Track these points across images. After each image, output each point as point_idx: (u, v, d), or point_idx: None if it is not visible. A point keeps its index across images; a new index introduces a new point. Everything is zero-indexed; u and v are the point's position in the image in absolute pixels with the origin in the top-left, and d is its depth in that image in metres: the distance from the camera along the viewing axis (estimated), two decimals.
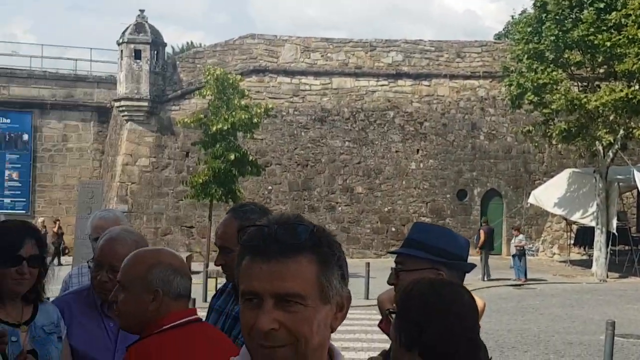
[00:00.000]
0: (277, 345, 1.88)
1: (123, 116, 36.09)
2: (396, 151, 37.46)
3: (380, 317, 3.55)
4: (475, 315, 2.81)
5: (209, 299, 15.95)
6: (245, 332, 1.93)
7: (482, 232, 27.97)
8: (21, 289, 3.75)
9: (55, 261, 28.37)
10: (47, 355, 3.78)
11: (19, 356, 3.62)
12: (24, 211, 36.84)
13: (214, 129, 27.49)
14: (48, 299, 4.03)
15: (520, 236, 28.22)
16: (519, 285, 26.33)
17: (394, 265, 3.58)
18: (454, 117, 38.09)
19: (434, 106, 37.98)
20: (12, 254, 3.72)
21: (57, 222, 34.29)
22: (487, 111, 38.40)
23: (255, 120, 28.63)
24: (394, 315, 2.88)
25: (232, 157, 27.32)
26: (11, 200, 37.87)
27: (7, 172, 38.71)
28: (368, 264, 22.86)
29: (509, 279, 27.15)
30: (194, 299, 12.32)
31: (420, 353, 2.70)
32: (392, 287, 3.55)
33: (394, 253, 3.66)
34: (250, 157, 28.70)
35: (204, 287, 20.02)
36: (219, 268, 4.04)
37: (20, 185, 38.95)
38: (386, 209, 36.76)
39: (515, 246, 27.51)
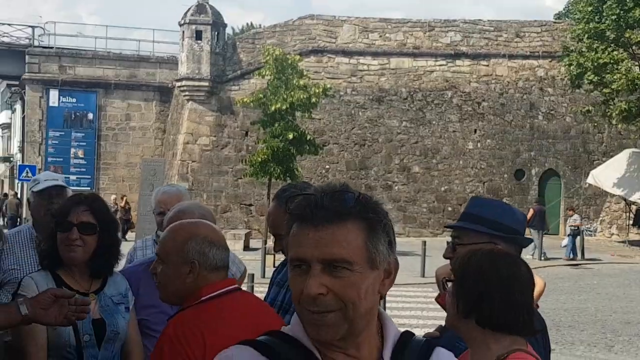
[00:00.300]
0: (326, 311, 1.87)
1: (184, 96, 36.42)
2: (453, 131, 37.16)
3: (437, 291, 3.54)
4: (532, 285, 2.80)
5: (267, 274, 16.07)
6: (295, 299, 1.93)
7: (531, 210, 27.60)
8: (75, 255, 3.79)
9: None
10: (115, 325, 3.85)
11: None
12: (88, 188, 37.35)
13: (273, 108, 27.54)
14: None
15: (575, 216, 27.91)
16: (576, 265, 26.03)
17: (450, 239, 3.56)
18: (512, 97, 37.64)
19: (492, 86, 37.56)
20: (62, 219, 3.80)
21: (124, 198, 34.90)
22: (546, 91, 37.85)
23: (313, 100, 28.61)
24: (449, 284, 2.90)
25: (291, 136, 27.36)
26: (77, 177, 38.47)
27: (72, 150, 39.37)
28: (424, 243, 22.79)
29: (559, 259, 26.86)
30: (252, 275, 12.49)
31: (477, 321, 2.72)
32: (449, 261, 3.56)
33: (451, 227, 3.65)
34: (308, 137, 28.69)
35: (262, 263, 20.17)
36: None
37: (85, 162, 39.58)
38: (443, 189, 36.53)
39: (570, 226, 27.19)
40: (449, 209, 35.79)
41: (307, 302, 1.88)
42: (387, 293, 2.08)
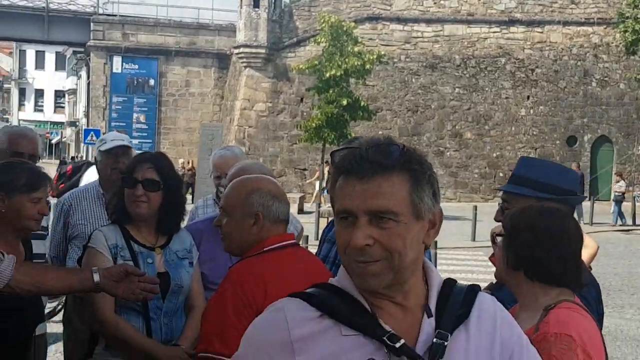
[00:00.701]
0: (372, 261, 1.87)
1: (241, 63, 36.50)
2: (506, 98, 36.69)
3: (491, 251, 3.52)
4: (580, 240, 2.80)
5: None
6: (341, 250, 1.94)
7: None
8: (140, 211, 3.84)
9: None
10: (179, 279, 3.91)
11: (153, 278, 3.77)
12: None
13: (328, 75, 27.52)
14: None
15: (621, 182, 27.50)
16: (627, 230, 25.65)
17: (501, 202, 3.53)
18: (566, 63, 36.97)
19: (545, 53, 36.92)
20: (129, 176, 3.86)
21: (191, 162, 35.31)
22: (600, 58, 37.07)
23: (367, 66, 28.50)
24: (499, 238, 2.91)
25: (345, 102, 27.34)
26: (139, 142, 38.79)
27: (135, 115, 39.83)
28: (475, 207, 22.63)
29: (607, 224, 26.51)
30: (307, 236, 12.56)
31: (525, 273, 2.74)
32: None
33: (499, 190, 3.63)
34: (362, 103, 28.61)
35: (316, 226, 20.23)
36: (330, 208, 4.12)
37: (146, 127, 40.00)
38: (495, 155, 36.18)
39: (614, 192, 26.77)
40: (500, 174, 35.43)
41: (353, 253, 1.89)
42: (439, 256, 2.09)
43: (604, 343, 2.75)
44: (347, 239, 1.89)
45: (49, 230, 4.99)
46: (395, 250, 1.87)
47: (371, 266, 1.88)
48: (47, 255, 4.96)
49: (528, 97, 36.87)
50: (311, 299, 1.97)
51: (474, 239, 20.86)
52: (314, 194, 31.85)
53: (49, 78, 76.62)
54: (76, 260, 4.27)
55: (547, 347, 2.54)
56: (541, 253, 2.70)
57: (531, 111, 36.82)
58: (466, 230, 21.51)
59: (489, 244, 3.64)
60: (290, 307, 1.98)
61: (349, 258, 1.91)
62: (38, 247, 4.75)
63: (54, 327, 5.30)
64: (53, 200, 5.19)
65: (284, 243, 3.18)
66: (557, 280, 2.72)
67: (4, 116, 79.31)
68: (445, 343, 1.90)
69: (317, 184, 31.71)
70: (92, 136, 31.52)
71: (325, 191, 27.76)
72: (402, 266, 1.90)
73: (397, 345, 1.86)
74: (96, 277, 3.34)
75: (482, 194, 35.25)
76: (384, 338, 1.87)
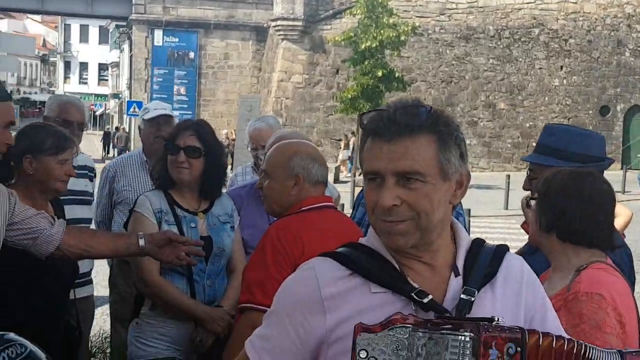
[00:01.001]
0: (399, 220, 1.87)
1: (279, 35, 36.44)
2: (539, 68, 36.24)
3: (523, 219, 3.50)
4: (612, 202, 2.78)
5: None
6: (369, 210, 1.93)
7: None
8: (183, 177, 3.86)
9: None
10: (221, 242, 3.94)
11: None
12: None
13: (363, 46, 27.42)
14: None
15: None
16: None
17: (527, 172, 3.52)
18: (600, 34, 36.36)
19: (579, 23, 36.32)
20: (171, 143, 3.88)
21: (233, 132, 35.46)
22: (634, 28, 36.37)
23: (402, 38, 28.35)
24: (532, 202, 2.89)
25: (380, 73, 27.26)
26: (179, 113, 38.92)
27: (175, 87, 39.98)
28: (508, 176, 22.48)
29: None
30: (342, 204, 12.59)
31: (557, 235, 2.72)
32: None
33: (525, 160, 3.61)
34: (397, 74, 28.49)
35: (351, 194, 20.25)
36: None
37: (187, 99, 40.16)
38: (527, 125, 35.82)
39: None
40: (533, 144, 34.93)
41: (381, 213, 1.88)
42: (472, 224, 2.08)
43: (636, 304, 2.74)
44: (375, 200, 1.89)
45: (95, 196, 5.06)
46: (422, 210, 1.87)
47: (398, 226, 1.88)
48: (93, 220, 5.04)
49: (561, 68, 36.38)
50: (341, 258, 1.98)
51: (506, 208, 20.76)
52: (338, 161, 32.03)
53: (92, 51, 77.10)
54: (122, 224, 4.32)
55: (578, 307, 2.54)
56: (572, 215, 2.68)
57: (564, 81, 36.34)
58: (499, 199, 21.41)
59: (522, 212, 3.62)
60: (321, 266, 1.99)
61: (377, 218, 1.91)
62: (84, 212, 4.83)
63: (101, 290, 5.37)
64: (99, 168, 5.26)
65: (322, 204, 3.23)
66: (588, 241, 2.71)
67: (50, 88, 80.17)
68: (472, 299, 1.90)
69: (343, 153, 31.81)
70: (134, 108, 31.79)
71: (351, 162, 27.87)
72: (429, 226, 1.89)
73: (425, 300, 1.87)
74: (141, 242, 3.39)
75: (515, 164, 34.94)
76: (412, 294, 1.88)
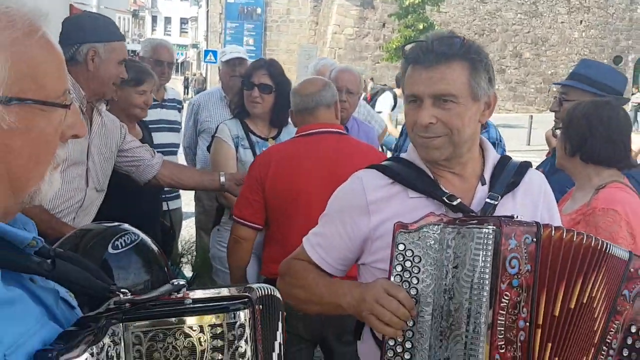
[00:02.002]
0: (435, 136, 1.89)
1: None
2: (562, 22, 35.21)
3: (541, 159, 3.47)
4: (629, 127, 2.73)
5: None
6: (409, 128, 1.95)
7: None
8: (256, 109, 3.86)
9: None
10: None
11: None
12: None
13: (407, 2, 26.98)
14: None
15: (637, 94, 26.42)
16: None
17: (557, 95, 3.49)
18: None
19: None
20: (247, 80, 3.87)
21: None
22: None
23: None
24: (558, 131, 2.86)
25: (421, 26, 26.84)
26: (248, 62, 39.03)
27: (245, 39, 39.71)
28: (531, 117, 22.15)
29: None
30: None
31: (581, 157, 2.70)
32: (554, 114, 3.49)
33: (561, 84, 3.54)
34: (436, 27, 27.96)
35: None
36: None
37: (254, 49, 39.91)
38: (549, 72, 35.01)
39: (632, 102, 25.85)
40: (554, 89, 34.33)
41: (419, 130, 1.90)
42: None
43: None
44: (414, 119, 1.90)
45: (182, 125, 5.12)
46: (454, 127, 1.87)
47: (434, 140, 1.89)
48: (181, 145, 5.10)
49: (581, 22, 35.32)
50: (384, 169, 2.00)
51: (528, 144, 20.44)
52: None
53: (175, 7, 76.91)
54: (205, 149, 4.37)
55: (594, 220, 2.53)
56: (593, 138, 2.65)
57: (583, 34, 35.36)
58: (522, 136, 21.09)
59: (543, 148, 3.58)
60: (367, 176, 2.02)
61: (415, 134, 1.92)
62: (173, 138, 4.90)
63: (185, 206, 5.45)
64: (186, 103, 5.31)
65: (310, 131, 3.20)
66: (607, 161, 2.67)
67: (140, 39, 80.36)
68: (496, 203, 1.91)
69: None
70: (210, 56, 31.64)
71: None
72: (460, 141, 1.90)
73: (454, 203, 1.89)
74: (222, 180, 3.49)
75: (537, 106, 34.31)
76: (444, 198, 1.90)
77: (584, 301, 1.71)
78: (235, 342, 1.15)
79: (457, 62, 1.86)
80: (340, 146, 3.20)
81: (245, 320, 1.16)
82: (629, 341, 1.74)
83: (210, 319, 1.14)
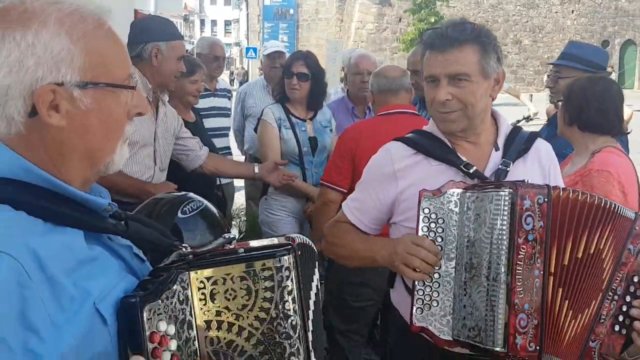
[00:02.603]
0: (451, 111, 1.88)
1: None
2: (555, 12, 34.50)
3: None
4: (621, 99, 2.70)
5: None
6: (428, 105, 1.94)
7: None
8: (295, 95, 3.84)
9: None
10: (323, 141, 3.94)
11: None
12: None
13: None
14: None
15: None
16: None
17: (550, 73, 3.52)
18: None
19: None
20: (287, 69, 3.86)
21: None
22: None
23: None
24: (559, 103, 2.83)
25: (432, 20, 26.61)
26: None
27: (280, 36, 39.52)
28: (531, 95, 21.79)
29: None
30: None
31: (578, 126, 2.67)
32: (549, 90, 3.50)
33: (554, 64, 3.54)
34: (444, 19, 27.63)
35: None
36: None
37: (288, 45, 39.59)
38: (546, 56, 34.24)
39: None
40: (549, 69, 33.72)
41: (437, 106, 1.89)
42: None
43: (638, 180, 2.67)
44: (433, 96, 1.89)
45: (232, 111, 5.13)
46: (468, 102, 1.86)
47: (451, 115, 1.88)
48: (230, 128, 5.12)
49: (572, 11, 34.58)
50: (408, 141, 2.01)
51: (527, 120, 20.13)
52: None
53: (219, 11, 76.86)
54: (252, 130, 4.39)
55: (589, 181, 2.51)
56: (589, 110, 2.62)
57: (574, 22, 34.63)
58: (523, 111, 20.80)
59: (541, 122, 3.54)
60: (394, 148, 2.03)
61: (434, 110, 1.92)
62: (224, 122, 4.91)
63: (236, 181, 5.49)
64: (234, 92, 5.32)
65: (391, 111, 3.17)
66: (602, 129, 2.64)
67: (191, 40, 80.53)
68: (508, 169, 1.90)
69: None
70: (251, 52, 31.65)
71: None
72: (474, 114, 1.88)
73: (471, 170, 1.88)
74: (256, 170, 3.49)
75: (536, 86, 33.71)
76: (461, 166, 1.89)
77: (591, 252, 1.69)
78: (283, 282, 1.17)
79: (469, 46, 1.84)
80: (415, 124, 3.23)
81: (290, 263, 1.18)
82: (632, 289, 1.73)
83: (260, 264, 1.16)
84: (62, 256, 1.02)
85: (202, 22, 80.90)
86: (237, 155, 5.31)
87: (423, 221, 1.77)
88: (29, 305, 0.95)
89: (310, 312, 1.31)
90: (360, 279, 3.23)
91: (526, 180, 1.74)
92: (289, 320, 1.17)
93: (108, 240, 1.17)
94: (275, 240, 1.28)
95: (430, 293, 1.75)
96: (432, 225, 1.76)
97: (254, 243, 1.27)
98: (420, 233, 1.76)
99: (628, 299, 1.73)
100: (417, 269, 1.74)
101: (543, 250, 1.64)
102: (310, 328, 1.29)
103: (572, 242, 1.68)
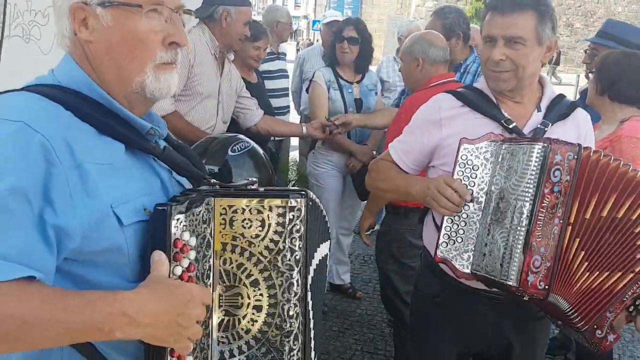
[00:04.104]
0: (504, 70, 1.86)
1: None
2: None
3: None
4: None
5: None
6: (483, 63, 1.92)
7: None
8: (345, 58, 3.83)
9: None
10: (368, 102, 3.94)
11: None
12: None
13: None
14: None
15: None
16: None
17: (588, 50, 3.40)
18: None
19: None
20: (339, 34, 3.85)
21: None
22: None
23: None
24: (590, 75, 2.78)
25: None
26: None
27: (345, 11, 38.95)
28: (578, 76, 20.83)
29: None
30: None
31: (609, 96, 2.64)
32: (585, 65, 3.40)
33: (591, 41, 3.43)
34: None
35: None
36: None
37: None
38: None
39: None
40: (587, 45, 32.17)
41: (491, 64, 1.87)
42: None
43: None
44: (488, 55, 1.87)
45: (290, 74, 5.19)
46: (520, 64, 1.84)
47: (503, 74, 1.86)
48: (289, 89, 5.18)
49: None
50: (456, 94, 2.00)
51: (575, 97, 19.37)
52: None
53: None
54: (305, 90, 4.44)
55: (619, 145, 2.49)
56: (621, 82, 2.59)
57: (625, 9, 32.71)
58: (570, 92, 19.99)
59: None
60: (443, 99, 2.02)
61: (487, 68, 1.90)
62: (283, 83, 4.95)
63: (291, 139, 5.55)
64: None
65: (445, 80, 3.00)
66: (630, 100, 2.63)
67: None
68: (546, 129, 1.88)
69: None
70: (317, 25, 31.37)
71: None
72: (524, 76, 1.86)
73: (510, 126, 1.87)
74: (304, 129, 3.51)
75: (585, 68, 32.23)
76: (502, 121, 1.88)
77: (619, 216, 1.65)
78: (294, 220, 1.22)
79: (528, 11, 1.82)
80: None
81: (302, 206, 1.23)
82: None
83: (276, 201, 1.22)
84: (95, 153, 1.07)
85: None
86: (295, 115, 5.36)
87: (459, 166, 1.78)
88: (53, 182, 0.99)
89: (313, 262, 1.34)
90: (411, 240, 3.10)
91: (560, 139, 1.73)
92: (294, 255, 1.22)
93: (152, 160, 1.22)
94: (293, 188, 1.33)
95: (457, 230, 1.78)
96: (467, 170, 1.77)
97: (275, 188, 1.32)
98: (455, 176, 1.78)
99: None
100: (443, 206, 1.78)
101: (565, 202, 1.64)
102: (313, 268, 1.32)
103: (596, 200, 1.65)
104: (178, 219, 1.08)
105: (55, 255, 1.00)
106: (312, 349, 1.33)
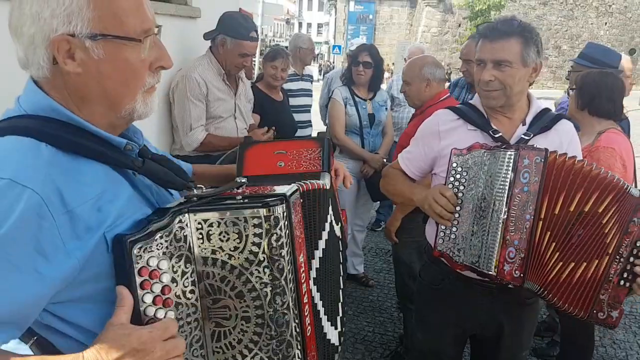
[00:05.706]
0: (493, 90, 1.85)
1: (424, 3, 34.33)
2: (591, 23, 32.04)
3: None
4: (623, 91, 2.64)
5: None
6: (476, 83, 1.91)
7: None
8: (360, 80, 3.83)
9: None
10: (379, 117, 3.93)
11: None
12: None
13: (477, 8, 25.59)
14: None
15: None
16: None
17: (570, 69, 3.42)
18: (633, 1, 31.55)
19: None
20: (354, 59, 3.83)
21: (392, 63, 34.49)
22: None
23: (502, 3, 26.09)
24: (571, 91, 2.76)
25: None
26: None
27: (360, 37, 38.93)
28: (567, 92, 20.49)
29: None
30: None
31: (588, 111, 2.61)
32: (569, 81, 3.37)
33: (573, 61, 3.42)
34: None
35: None
36: None
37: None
38: None
39: None
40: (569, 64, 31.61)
41: (482, 85, 1.87)
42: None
43: (634, 157, 2.61)
44: (479, 76, 1.87)
45: (314, 93, 5.18)
46: (508, 84, 1.82)
47: (493, 93, 1.86)
48: (318, 105, 5.11)
49: (605, 23, 32.05)
50: (454, 110, 1.99)
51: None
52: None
53: (314, 15, 76.52)
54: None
55: (597, 155, 2.46)
56: (601, 97, 2.56)
57: (607, 32, 32.11)
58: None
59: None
60: (442, 113, 2.01)
61: (480, 87, 1.89)
62: (307, 101, 4.86)
63: (314, 132, 5.52)
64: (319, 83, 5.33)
65: (444, 97, 3.01)
66: (607, 114, 2.59)
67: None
68: (528, 139, 1.86)
69: None
70: (336, 50, 31.43)
71: None
72: (511, 94, 1.85)
73: (497, 135, 1.86)
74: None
75: (571, 85, 31.77)
76: (490, 131, 1.87)
77: (585, 210, 1.63)
78: (272, 229, 1.04)
79: (514, 38, 1.80)
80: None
81: (279, 213, 1.04)
82: (635, 252, 1.66)
83: (250, 212, 1.04)
84: (84, 190, 0.95)
85: (300, 24, 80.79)
86: (322, 126, 5.34)
87: (450, 173, 1.79)
88: (44, 233, 0.88)
89: (317, 252, 1.21)
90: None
91: (534, 145, 1.72)
92: (276, 265, 1.06)
93: (133, 175, 1.07)
94: (279, 189, 1.13)
95: (450, 228, 1.80)
96: (458, 176, 1.78)
97: (258, 191, 1.14)
98: (448, 183, 1.79)
99: (632, 259, 1.66)
100: (438, 214, 1.79)
101: (535, 200, 1.64)
102: (316, 266, 1.19)
103: (564, 196, 1.64)
104: (141, 247, 0.95)
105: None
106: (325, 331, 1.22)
